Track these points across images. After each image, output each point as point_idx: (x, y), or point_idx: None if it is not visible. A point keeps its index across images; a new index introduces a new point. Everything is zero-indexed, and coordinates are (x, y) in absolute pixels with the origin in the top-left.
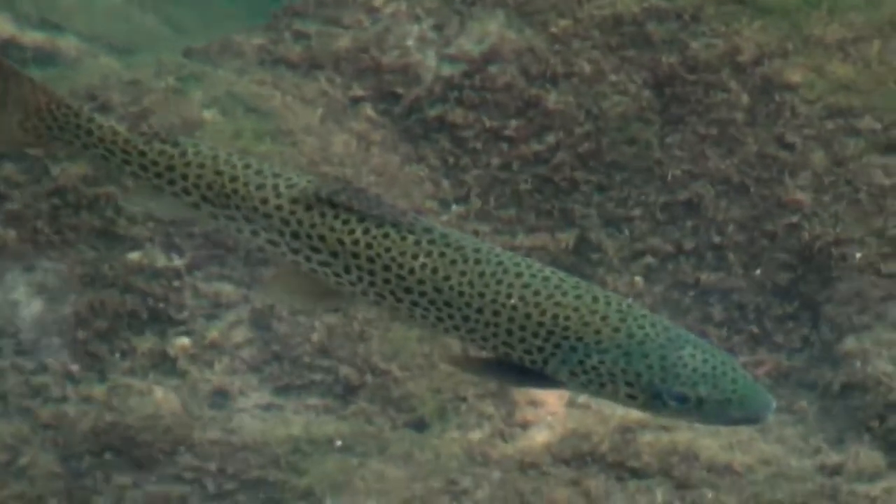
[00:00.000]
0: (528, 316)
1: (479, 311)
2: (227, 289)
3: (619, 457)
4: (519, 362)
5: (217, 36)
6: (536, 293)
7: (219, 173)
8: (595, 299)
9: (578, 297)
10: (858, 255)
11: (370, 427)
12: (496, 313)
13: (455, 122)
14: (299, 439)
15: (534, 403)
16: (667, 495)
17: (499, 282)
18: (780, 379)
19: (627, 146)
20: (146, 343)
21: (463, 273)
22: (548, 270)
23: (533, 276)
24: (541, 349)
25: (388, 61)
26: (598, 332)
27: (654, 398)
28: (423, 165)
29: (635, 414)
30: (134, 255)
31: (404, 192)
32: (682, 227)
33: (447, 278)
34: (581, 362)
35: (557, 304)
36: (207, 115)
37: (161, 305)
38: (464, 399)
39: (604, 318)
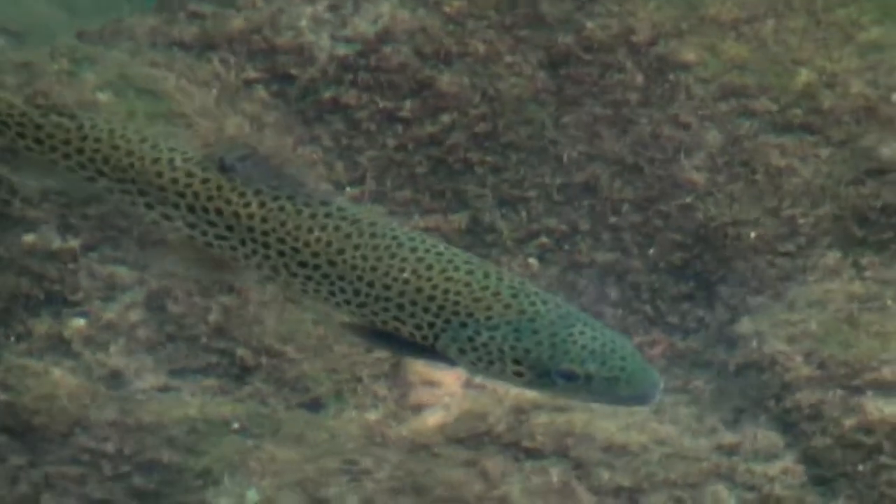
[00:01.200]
0: (419, 290)
1: (371, 284)
2: (122, 270)
3: (515, 437)
4: (409, 338)
5: (111, 19)
6: (429, 268)
7: (115, 147)
8: (487, 275)
9: (470, 272)
10: (754, 234)
11: (265, 408)
12: (387, 287)
13: (349, 103)
14: (196, 420)
15: (430, 384)
16: (562, 475)
17: (392, 256)
18: (676, 359)
19: (523, 127)
20: (42, 325)
21: (357, 247)
22: (442, 246)
23: (427, 251)
24: (431, 325)
25: (282, 42)
26: (488, 308)
27: (541, 375)
28: (316, 147)
29: (530, 394)
30: (29, 237)
31: (298, 173)
32: (578, 208)
33: (341, 252)
34: (471, 339)
35: (449, 279)
36: (101, 97)
37: (56, 287)
38: (359, 380)
39: (495, 295)
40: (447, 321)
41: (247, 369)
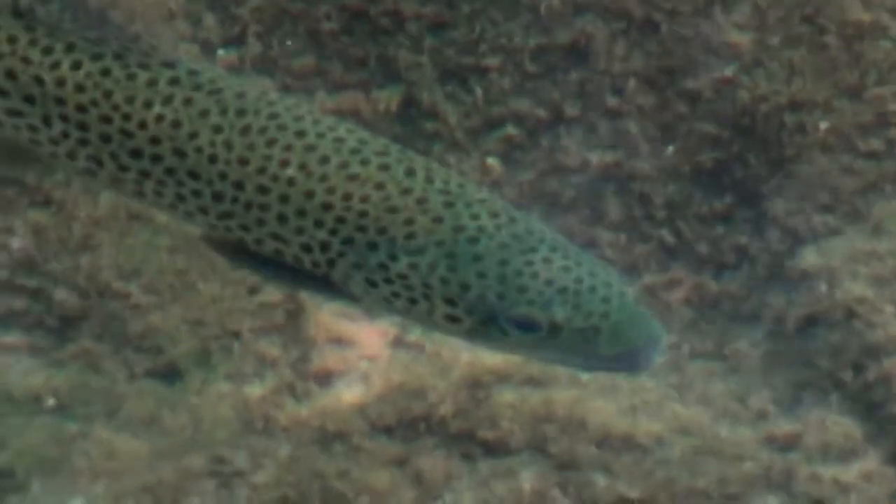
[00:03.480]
0: (308, 195)
1: (239, 185)
2: None
3: (467, 424)
4: (296, 263)
5: None
6: (324, 160)
7: None
8: (411, 173)
9: (385, 168)
10: (824, 124)
11: (97, 378)
12: (263, 190)
13: None
14: None
15: (341, 343)
16: (538, 481)
17: (269, 142)
18: (705, 309)
19: None
20: None
21: (217, 129)
22: (343, 128)
23: (321, 135)
24: (325, 245)
25: None
26: (409, 221)
27: (486, 322)
28: None
29: (491, 361)
30: None
31: (148, 32)
32: (562, 84)
33: (193, 136)
34: (383, 266)
35: (353, 178)
36: None
37: None
38: (236, 335)
39: (421, 202)
40: (348, 240)
41: (69, 320)
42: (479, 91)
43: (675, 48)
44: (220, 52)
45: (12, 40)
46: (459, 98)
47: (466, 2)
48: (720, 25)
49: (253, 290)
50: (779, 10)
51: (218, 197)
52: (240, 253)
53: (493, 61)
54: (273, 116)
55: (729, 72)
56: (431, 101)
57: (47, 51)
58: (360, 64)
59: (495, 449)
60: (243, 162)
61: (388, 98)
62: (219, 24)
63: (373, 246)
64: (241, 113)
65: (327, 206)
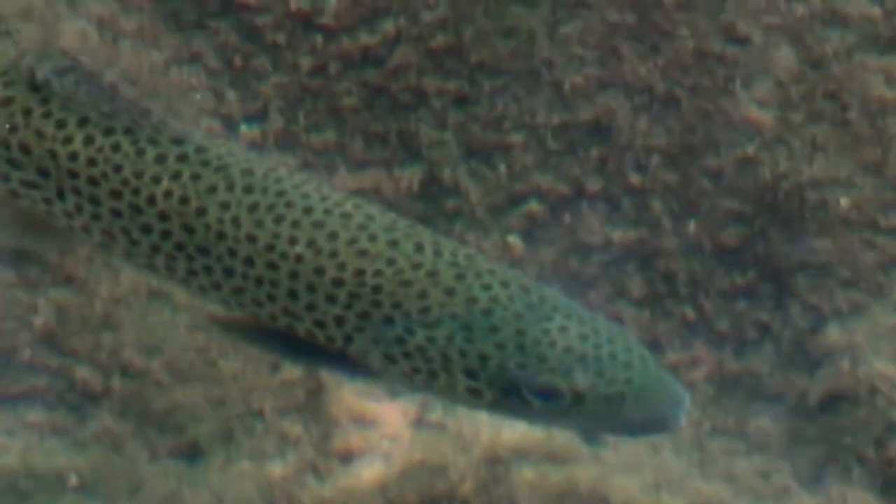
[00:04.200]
0: (319, 271)
1: (249, 262)
2: None
3: (488, 501)
4: (309, 339)
5: None
6: (333, 237)
7: None
8: (419, 247)
9: (394, 243)
10: (845, 201)
11: (118, 457)
12: (272, 266)
13: (245, 2)
14: (16, 474)
15: (363, 422)
16: None
17: (278, 219)
18: (728, 386)
19: (502, 40)
20: None
21: (226, 205)
22: (350, 204)
23: (328, 211)
24: (340, 321)
25: None
26: (422, 295)
27: (508, 393)
28: (197, 68)
29: (511, 437)
30: None
31: (169, 107)
32: (585, 161)
33: (202, 212)
34: (400, 340)
35: (364, 253)
36: None
37: None
38: (258, 414)
39: (432, 276)
40: (363, 315)
41: (92, 398)
42: (501, 168)
43: (697, 124)
44: (243, 127)
45: (27, 113)
46: (482, 174)
47: (488, 78)
48: (741, 102)
49: (274, 368)
50: (801, 87)
51: (228, 273)
52: (251, 332)
53: (515, 138)
54: (281, 193)
55: (751, 149)
56: (454, 177)
57: (60, 124)
58: (382, 141)
59: None
60: (252, 239)
61: (411, 176)
62: (240, 99)
63: (388, 320)
64: (248, 189)
65: (339, 282)
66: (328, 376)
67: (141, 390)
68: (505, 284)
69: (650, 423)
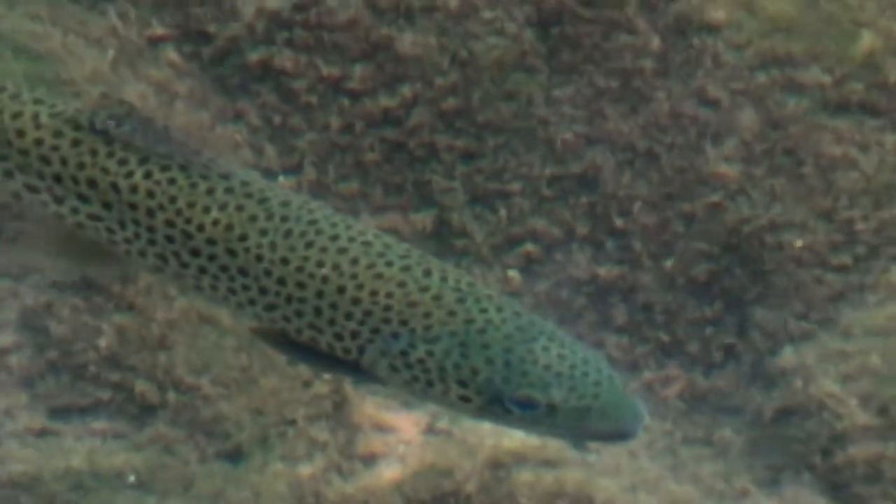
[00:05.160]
0: (340, 290)
1: (281, 282)
2: None
3: (490, 500)
4: (328, 350)
5: None
6: (354, 262)
7: None
8: (427, 273)
9: (406, 269)
10: (800, 242)
11: (172, 458)
12: (301, 285)
13: (283, 69)
14: (81, 473)
15: (382, 429)
16: None
17: (308, 245)
18: (697, 402)
19: (504, 102)
20: None
21: (263, 232)
22: (371, 234)
23: (352, 239)
24: (355, 334)
25: None
26: (427, 315)
27: (493, 402)
28: (241, 125)
29: (510, 444)
30: None
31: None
32: (574, 207)
33: (243, 238)
34: (404, 353)
35: (378, 276)
36: None
37: None
38: (292, 422)
39: (436, 298)
40: (374, 330)
41: (148, 408)
42: (502, 213)
43: (672, 176)
44: (281, 178)
45: (94, 152)
46: (485, 218)
47: (492, 135)
48: (711, 157)
49: (306, 384)
50: (762, 144)
51: (263, 291)
52: (282, 342)
53: (514, 187)
54: (312, 223)
55: (717, 197)
56: (461, 221)
57: (122, 162)
58: (399, 189)
59: None
60: (285, 261)
61: (424, 219)
62: (278, 154)
63: (396, 336)
64: (284, 219)
65: (356, 301)
66: (352, 391)
67: (191, 402)
68: (499, 309)
69: (612, 434)
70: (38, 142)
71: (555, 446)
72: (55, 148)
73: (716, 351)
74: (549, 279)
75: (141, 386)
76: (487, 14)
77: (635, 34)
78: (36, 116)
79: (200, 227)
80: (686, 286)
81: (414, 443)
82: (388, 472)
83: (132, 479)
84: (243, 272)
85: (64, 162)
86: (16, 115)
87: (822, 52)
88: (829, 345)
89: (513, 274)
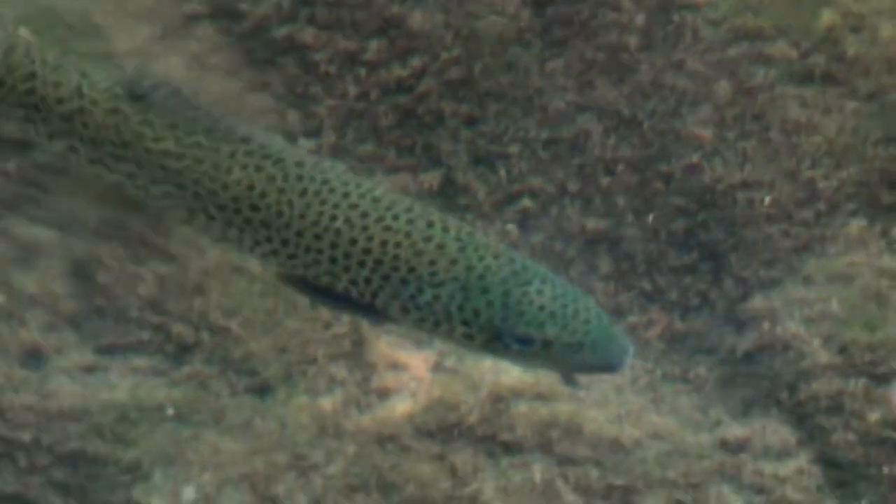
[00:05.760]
0: (353, 242)
1: (300, 233)
2: (44, 233)
3: (491, 429)
4: (345, 293)
5: None
6: (364, 215)
7: (11, 69)
8: (431, 225)
9: (412, 221)
10: (768, 199)
11: (206, 393)
12: (318, 237)
13: (305, 43)
14: (125, 406)
15: (395, 367)
16: (546, 473)
17: (322, 202)
18: (675, 342)
19: (503, 73)
20: None
21: (282, 190)
22: (379, 190)
23: (361, 196)
24: (368, 280)
25: None
26: (432, 263)
27: (494, 339)
28: (267, 94)
29: (509, 380)
30: None
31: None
32: (566, 167)
33: (264, 195)
34: (413, 297)
35: (387, 229)
36: (21, 33)
37: None
38: (313, 360)
39: (440, 248)
40: (386, 277)
41: (185, 348)
42: (502, 172)
43: (653, 140)
44: (303, 141)
45: (128, 119)
46: (487, 178)
47: (493, 103)
48: (688, 122)
49: (327, 325)
50: (734, 110)
51: (284, 243)
52: (304, 286)
53: (513, 149)
54: (325, 182)
55: (694, 158)
56: (465, 180)
57: (153, 127)
58: (410, 151)
59: (512, 448)
60: (302, 216)
61: (432, 178)
62: (301, 119)
63: (405, 282)
64: (299, 178)
65: (367, 251)
66: (368, 331)
67: (223, 342)
68: (496, 256)
69: (601, 366)
70: (81, 110)
71: (548, 382)
72: (94, 114)
73: (692, 297)
74: (544, 232)
75: (178, 328)
76: None
77: (621, 11)
78: (78, 87)
79: (225, 186)
80: (666, 238)
81: (424, 379)
82: (401, 406)
83: (171, 411)
84: (266, 225)
85: (102, 127)
86: (57, 85)
87: (788, 27)
88: (794, 291)
89: (511, 227)
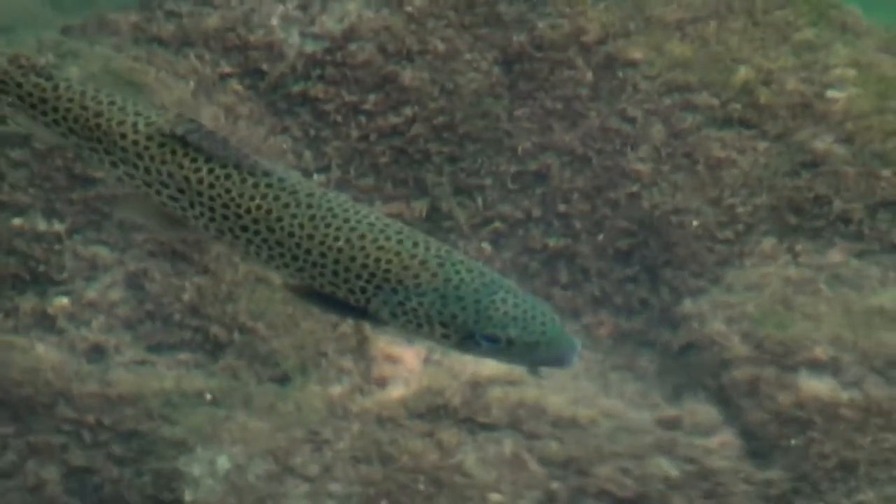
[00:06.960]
0: (352, 258)
1: (308, 251)
2: (104, 252)
3: (470, 411)
4: (344, 300)
5: (94, 14)
6: (361, 237)
7: (84, 108)
8: (416, 245)
9: (400, 242)
10: (695, 222)
11: (237, 382)
12: (323, 254)
13: (317, 96)
14: (171, 393)
15: (392, 360)
16: (515, 447)
17: (327, 225)
18: (621, 339)
19: (479, 119)
20: (28, 303)
21: (294, 216)
22: (373, 216)
23: (359, 221)
24: (363, 290)
25: (254, 39)
26: (416, 276)
27: (467, 338)
28: (286, 137)
29: (485, 370)
30: (17, 220)
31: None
32: (531, 196)
33: (279, 219)
34: (401, 304)
35: (380, 248)
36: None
37: (42, 268)
38: (324, 355)
39: (423, 263)
40: (378, 287)
41: (220, 345)
42: (479, 200)
43: (602, 173)
44: (315, 176)
45: (174, 153)
46: (466, 205)
47: (471, 143)
48: (630, 159)
49: (335, 326)
50: (668, 149)
51: (294, 258)
52: (308, 294)
53: (487, 181)
54: (330, 209)
55: (635, 188)
56: (448, 207)
57: (193, 161)
58: (403, 183)
59: (488, 426)
60: (310, 237)
61: (421, 206)
62: (313, 158)
63: (394, 291)
64: (309, 206)
65: (364, 266)
66: (371, 331)
67: (251, 341)
68: (469, 270)
69: (555, 361)
70: (135, 143)
71: (517, 372)
72: (147, 148)
73: (635, 302)
74: (513, 249)
75: (214, 329)
76: (467, 56)
77: (574, 69)
78: (135, 125)
79: (248, 210)
80: (612, 254)
81: (415, 370)
82: (396, 392)
83: (209, 397)
84: (280, 244)
85: (152, 158)
86: (120, 123)
87: (711, 81)
88: (718, 297)
89: (485, 245)
